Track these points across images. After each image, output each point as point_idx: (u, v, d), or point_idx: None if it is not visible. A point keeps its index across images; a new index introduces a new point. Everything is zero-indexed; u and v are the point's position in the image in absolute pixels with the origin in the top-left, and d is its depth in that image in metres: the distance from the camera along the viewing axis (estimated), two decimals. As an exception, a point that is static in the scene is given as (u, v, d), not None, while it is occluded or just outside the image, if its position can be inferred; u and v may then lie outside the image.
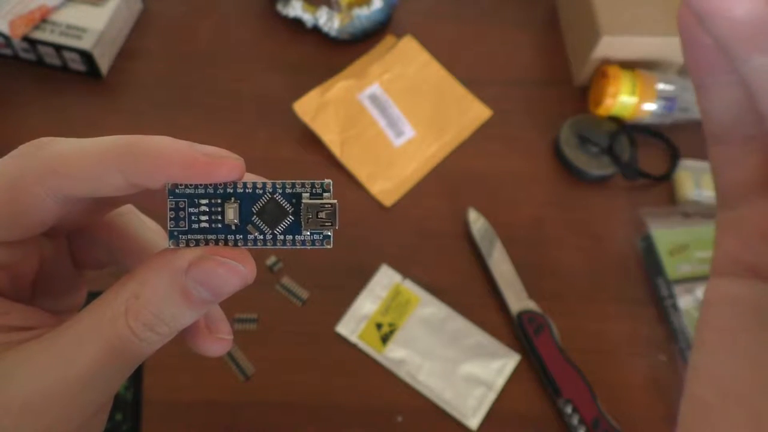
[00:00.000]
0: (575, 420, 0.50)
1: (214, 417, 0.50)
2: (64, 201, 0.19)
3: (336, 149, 0.61)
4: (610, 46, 0.63)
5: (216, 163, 0.19)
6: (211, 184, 0.19)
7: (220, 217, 0.19)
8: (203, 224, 0.19)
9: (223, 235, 0.20)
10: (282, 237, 0.20)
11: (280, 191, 0.19)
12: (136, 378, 0.50)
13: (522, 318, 0.54)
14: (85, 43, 0.61)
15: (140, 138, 0.19)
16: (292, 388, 0.51)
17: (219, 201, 0.19)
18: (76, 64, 0.63)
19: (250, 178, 0.20)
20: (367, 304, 0.55)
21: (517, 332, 0.54)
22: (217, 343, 0.22)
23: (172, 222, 0.19)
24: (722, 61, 0.18)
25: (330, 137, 0.62)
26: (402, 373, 0.52)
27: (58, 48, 0.61)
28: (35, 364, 0.18)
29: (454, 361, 0.53)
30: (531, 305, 0.55)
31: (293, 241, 0.20)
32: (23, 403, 0.18)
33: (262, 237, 0.20)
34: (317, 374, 0.52)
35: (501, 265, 0.57)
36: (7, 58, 0.64)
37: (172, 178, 0.19)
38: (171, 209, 0.19)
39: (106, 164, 0.18)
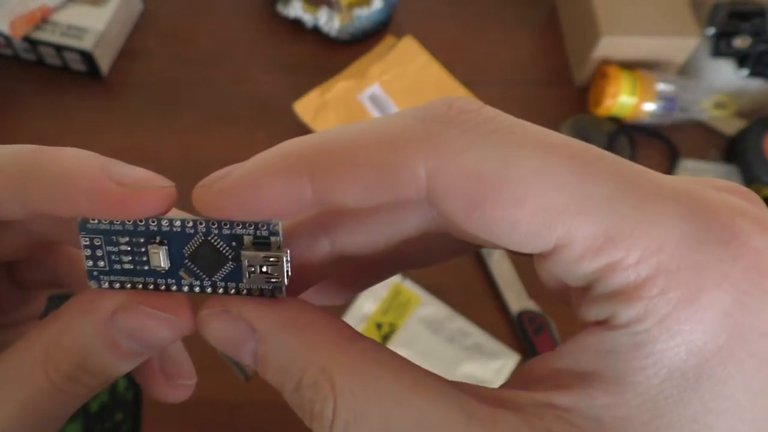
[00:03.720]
0: (575, 420, 0.50)
1: (214, 417, 0.50)
2: None
3: (336, 149, 0.61)
4: (610, 46, 0.63)
5: (132, 197, 0.15)
6: (129, 220, 0.16)
7: (145, 259, 0.16)
8: (126, 266, 0.16)
9: (152, 279, 0.16)
10: (223, 284, 0.16)
11: (216, 232, 0.16)
12: (137, 378, 0.50)
13: (522, 318, 0.54)
14: (85, 44, 0.61)
15: (42, 154, 0.15)
16: (292, 388, 0.51)
17: (141, 240, 0.16)
18: (77, 64, 0.63)
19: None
20: (367, 304, 0.55)
21: (517, 332, 0.54)
22: (174, 390, 0.19)
23: (90, 261, 0.16)
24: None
25: (330, 137, 0.62)
26: (402, 373, 0.52)
27: (59, 48, 0.61)
28: None
29: (454, 361, 0.53)
30: (531, 305, 0.55)
31: (237, 289, 0.16)
32: None
33: (198, 283, 0.16)
34: (317, 374, 0.52)
35: (501, 265, 0.57)
36: (8, 58, 0.64)
37: (80, 210, 0.15)
38: (86, 246, 0.16)
39: None
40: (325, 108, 0.63)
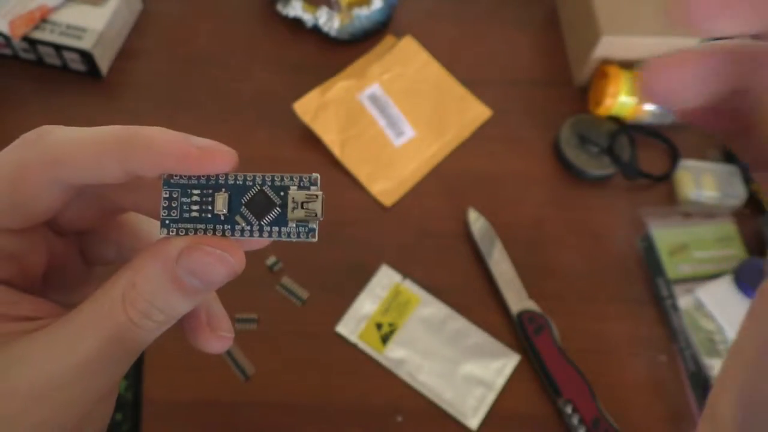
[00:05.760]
0: (575, 420, 0.50)
1: (214, 417, 0.50)
2: (67, 189, 0.20)
3: (336, 149, 0.61)
4: (610, 46, 0.63)
5: (208, 156, 0.20)
6: (204, 176, 0.20)
7: (210, 207, 0.20)
8: (194, 213, 0.20)
9: (212, 225, 0.20)
10: (269, 228, 0.20)
11: (269, 183, 0.20)
12: (136, 378, 0.50)
13: (522, 318, 0.54)
14: (85, 43, 0.61)
15: (138, 129, 0.19)
16: (292, 388, 0.51)
17: (210, 191, 0.20)
18: (76, 64, 0.63)
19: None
20: (367, 304, 0.55)
21: (517, 332, 0.54)
22: (218, 340, 0.22)
23: (165, 211, 0.20)
24: None
25: (330, 137, 0.62)
26: (402, 373, 0.52)
27: (58, 48, 0.61)
28: (40, 353, 0.19)
29: (454, 361, 0.53)
30: (531, 305, 0.55)
31: (279, 233, 0.20)
32: (29, 388, 0.18)
33: (249, 227, 0.20)
34: (317, 374, 0.52)
35: (501, 265, 0.57)
36: (7, 58, 0.64)
37: (167, 169, 0.19)
38: (165, 199, 0.20)
39: (104, 154, 0.19)
40: (325, 108, 0.63)
